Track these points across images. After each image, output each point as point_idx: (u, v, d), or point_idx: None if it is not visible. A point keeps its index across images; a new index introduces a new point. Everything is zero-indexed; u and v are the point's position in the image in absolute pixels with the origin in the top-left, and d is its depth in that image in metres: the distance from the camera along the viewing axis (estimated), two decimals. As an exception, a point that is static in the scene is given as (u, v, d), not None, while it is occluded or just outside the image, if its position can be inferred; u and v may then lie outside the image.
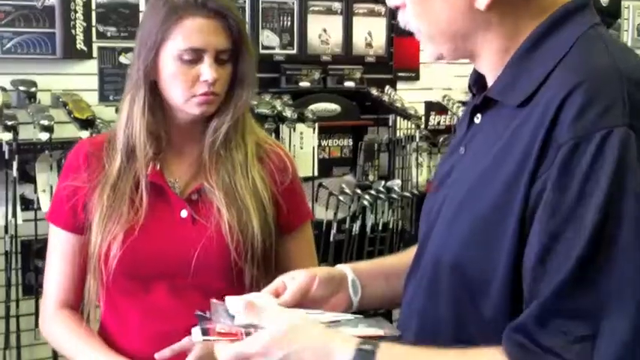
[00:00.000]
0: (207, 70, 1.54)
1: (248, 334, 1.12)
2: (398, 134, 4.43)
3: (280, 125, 3.80)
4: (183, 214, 1.60)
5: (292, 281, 1.29)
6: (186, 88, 1.55)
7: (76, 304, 1.70)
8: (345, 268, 1.35)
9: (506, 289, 1.02)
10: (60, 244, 1.67)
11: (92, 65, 3.64)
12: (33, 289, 3.38)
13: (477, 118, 1.16)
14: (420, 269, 1.19)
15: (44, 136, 3.22)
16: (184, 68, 1.55)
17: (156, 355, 1.53)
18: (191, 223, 1.60)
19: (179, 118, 1.62)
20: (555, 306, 0.95)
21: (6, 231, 3.31)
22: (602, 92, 0.98)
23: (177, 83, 1.55)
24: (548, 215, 0.97)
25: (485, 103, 1.14)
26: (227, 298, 1.22)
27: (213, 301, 1.24)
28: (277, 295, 1.27)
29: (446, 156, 1.29)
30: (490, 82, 1.15)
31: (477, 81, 1.21)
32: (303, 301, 1.27)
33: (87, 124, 3.18)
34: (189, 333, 1.54)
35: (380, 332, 1.18)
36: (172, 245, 1.58)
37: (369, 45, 4.43)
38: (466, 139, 1.17)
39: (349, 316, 1.24)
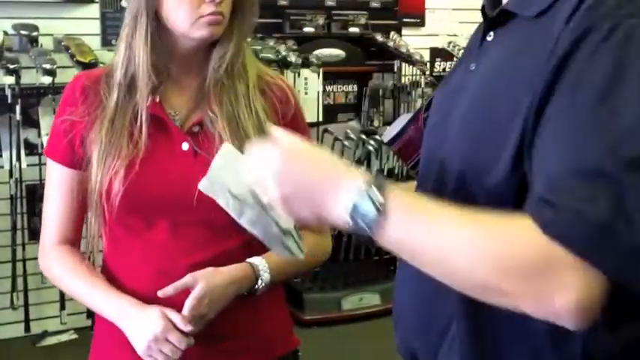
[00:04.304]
0: None
1: None
2: (403, 80, 4.41)
3: (285, 70, 3.78)
4: (185, 146, 1.58)
5: None
6: (192, 9, 1.52)
7: (75, 240, 1.68)
8: None
9: (509, 181, 1.01)
10: (58, 180, 1.64)
11: (94, 9, 3.62)
12: (39, 233, 3.39)
13: (490, 36, 1.15)
14: (428, 181, 1.18)
15: (47, 80, 3.21)
16: None
17: (159, 293, 1.52)
18: (192, 156, 1.57)
19: (182, 47, 1.59)
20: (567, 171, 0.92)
21: (11, 175, 3.33)
22: None
23: (182, 6, 1.52)
24: (553, 105, 0.96)
25: (499, 18, 1.13)
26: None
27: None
28: None
29: (451, 73, 1.29)
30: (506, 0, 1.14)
31: (491, 1, 1.19)
32: None
33: (89, 67, 3.16)
34: (191, 270, 1.55)
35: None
36: (174, 179, 1.56)
37: (373, -10, 4.39)
38: (478, 56, 1.16)
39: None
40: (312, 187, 1.01)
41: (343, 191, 0.98)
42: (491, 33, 1.15)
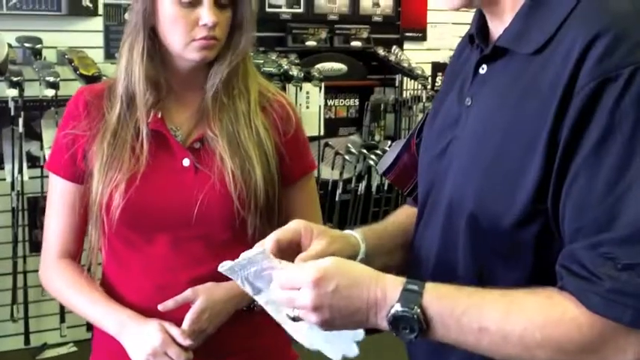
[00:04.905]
0: (206, 14, 1.52)
1: None
2: (404, 95, 4.43)
3: (286, 84, 3.79)
4: (186, 162, 1.59)
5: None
6: (185, 33, 1.53)
7: (76, 253, 1.68)
8: (361, 245, 1.26)
9: (522, 229, 1.03)
10: (60, 193, 1.65)
11: (98, 22, 3.63)
12: (40, 245, 3.39)
13: (483, 69, 1.15)
14: (433, 216, 1.19)
15: (50, 93, 3.22)
16: (184, 12, 1.53)
17: (159, 307, 1.53)
18: (193, 172, 1.58)
19: (179, 65, 1.60)
20: (605, 236, 0.95)
21: (12, 188, 3.33)
22: (629, 34, 0.97)
23: (176, 28, 1.53)
24: (580, 158, 0.97)
25: (493, 53, 1.13)
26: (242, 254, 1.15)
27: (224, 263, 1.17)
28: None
29: (442, 99, 1.28)
30: (495, 31, 1.14)
31: (481, 30, 1.19)
32: None
33: (92, 80, 3.17)
34: (191, 285, 1.56)
35: None
36: (174, 194, 1.57)
37: (376, 4, 4.41)
38: (471, 90, 1.16)
39: None
40: (350, 311, 1.05)
41: (382, 310, 1.03)
42: (484, 66, 1.15)
